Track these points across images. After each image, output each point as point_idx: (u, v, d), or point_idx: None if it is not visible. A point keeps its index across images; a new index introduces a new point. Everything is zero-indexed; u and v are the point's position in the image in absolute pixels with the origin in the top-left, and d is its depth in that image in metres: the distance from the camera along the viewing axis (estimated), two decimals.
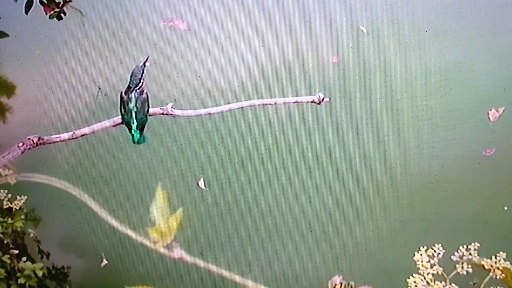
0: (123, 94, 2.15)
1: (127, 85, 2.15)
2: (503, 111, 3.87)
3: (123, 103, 2.13)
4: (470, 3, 4.27)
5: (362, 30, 4.16)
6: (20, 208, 2.98)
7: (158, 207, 0.88)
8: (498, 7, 4.26)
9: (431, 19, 4.21)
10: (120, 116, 2.15)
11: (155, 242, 0.83)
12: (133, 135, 2.16)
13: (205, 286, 3.30)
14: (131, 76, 2.14)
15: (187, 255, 0.79)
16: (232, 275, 0.77)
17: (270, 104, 2.26)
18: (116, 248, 3.59)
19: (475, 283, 1.13)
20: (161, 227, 0.85)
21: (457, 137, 3.85)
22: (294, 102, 2.28)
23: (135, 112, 2.13)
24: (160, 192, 0.91)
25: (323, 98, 2.20)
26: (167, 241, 0.83)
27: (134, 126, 2.14)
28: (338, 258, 3.57)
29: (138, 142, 2.19)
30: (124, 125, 2.18)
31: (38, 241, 3.17)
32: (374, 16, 4.22)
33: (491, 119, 3.87)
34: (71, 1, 2.63)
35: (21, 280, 2.71)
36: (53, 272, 3.18)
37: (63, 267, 3.25)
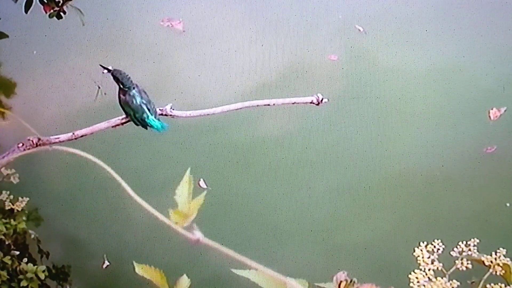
0: (123, 96, 2.13)
1: (119, 88, 2.13)
2: (505, 111, 3.87)
3: (128, 103, 2.11)
4: (470, 3, 4.27)
5: (359, 30, 4.16)
6: (22, 209, 2.97)
7: (183, 191, 0.91)
8: (498, 7, 4.26)
9: (431, 18, 4.21)
10: (130, 119, 2.13)
11: (176, 223, 0.85)
12: (152, 125, 2.13)
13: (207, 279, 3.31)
14: (120, 78, 2.12)
15: (205, 238, 0.81)
16: (246, 260, 0.78)
17: (268, 105, 2.26)
18: (120, 247, 3.59)
19: (473, 282, 1.14)
20: (183, 209, 0.87)
21: (457, 136, 3.85)
22: (293, 103, 2.28)
23: (145, 105, 2.11)
24: (187, 175, 0.94)
25: (322, 99, 2.19)
26: (187, 222, 0.85)
27: (151, 117, 2.12)
28: (338, 256, 3.57)
29: (162, 128, 2.15)
30: (124, 126, 2.17)
31: (39, 241, 3.17)
32: (374, 16, 4.22)
33: (492, 118, 3.87)
34: (71, 0, 2.62)
35: (23, 283, 2.70)
36: (53, 271, 3.18)
37: (63, 266, 3.24)
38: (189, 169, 0.96)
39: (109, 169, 0.95)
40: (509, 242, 3.47)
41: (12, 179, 2.99)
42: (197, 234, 0.85)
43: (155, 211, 0.88)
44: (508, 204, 3.66)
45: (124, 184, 0.93)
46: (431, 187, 3.74)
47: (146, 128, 2.15)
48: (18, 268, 2.76)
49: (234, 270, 0.91)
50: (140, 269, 0.98)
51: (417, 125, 3.92)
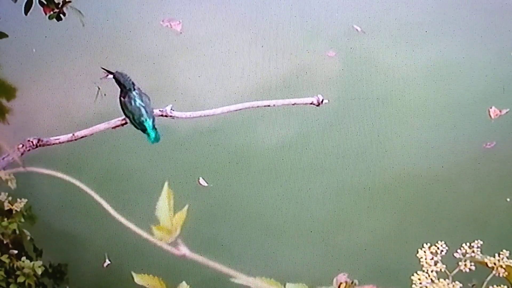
0: (123, 98, 2.13)
1: (120, 90, 2.13)
2: (506, 112, 3.88)
3: (127, 104, 2.11)
4: (470, 3, 4.27)
5: (357, 29, 4.16)
6: (20, 210, 2.97)
7: (163, 205, 0.90)
8: (497, 7, 4.26)
9: (430, 19, 4.21)
10: (128, 120, 2.13)
11: (160, 239, 0.84)
12: (149, 134, 2.13)
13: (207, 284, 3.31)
14: (122, 80, 2.12)
15: (191, 252, 0.80)
16: (236, 273, 0.77)
17: (269, 106, 2.26)
18: (119, 247, 3.59)
19: (473, 284, 1.14)
20: (166, 225, 0.86)
21: (457, 137, 3.85)
22: (293, 104, 2.28)
23: (144, 108, 2.11)
24: (166, 190, 0.92)
25: (322, 100, 2.19)
26: (171, 238, 0.84)
27: (149, 122, 2.12)
28: (338, 258, 3.57)
29: (156, 139, 2.14)
30: (124, 127, 2.17)
31: (32, 239, 3.16)
32: (374, 16, 4.22)
33: (492, 116, 3.87)
34: (70, 2, 2.62)
35: (20, 279, 2.71)
36: (50, 270, 3.17)
37: (59, 265, 3.23)
38: (166, 183, 0.94)
39: (92, 192, 0.94)
40: (510, 241, 3.47)
41: (10, 184, 2.98)
42: (183, 250, 0.84)
43: (139, 228, 0.87)
44: (508, 199, 3.67)
45: (107, 206, 0.92)
46: (431, 188, 3.74)
47: (144, 132, 2.15)
48: (15, 265, 2.77)
49: (233, 280, 0.90)
50: (140, 279, 0.98)
51: (417, 126, 3.92)
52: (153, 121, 2.13)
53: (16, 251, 2.85)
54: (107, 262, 3.55)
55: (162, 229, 0.88)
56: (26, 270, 2.72)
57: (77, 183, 0.93)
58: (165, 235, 0.86)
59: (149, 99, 2.15)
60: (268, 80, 4.05)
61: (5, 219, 2.87)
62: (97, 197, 0.90)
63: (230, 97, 3.95)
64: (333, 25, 4.22)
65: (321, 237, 3.67)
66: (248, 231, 3.70)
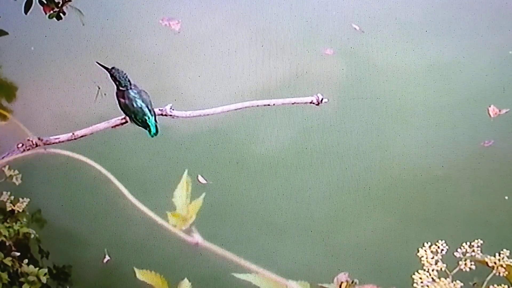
0: (121, 98, 2.12)
1: (117, 89, 2.12)
2: (506, 112, 3.87)
3: (128, 106, 2.10)
4: (470, 4, 4.27)
5: (355, 28, 4.16)
6: (23, 210, 2.96)
7: (181, 193, 0.91)
8: (497, 7, 4.26)
9: (431, 19, 4.21)
10: (129, 119, 2.13)
11: (174, 226, 0.85)
12: (150, 130, 2.14)
13: (208, 281, 3.31)
14: (119, 78, 2.11)
15: (204, 241, 0.80)
16: (246, 262, 0.77)
17: (268, 105, 2.26)
18: (120, 245, 3.59)
19: (475, 283, 1.14)
20: (182, 212, 0.87)
21: (457, 136, 3.85)
22: (293, 103, 2.28)
23: (146, 106, 2.11)
24: (185, 178, 0.94)
25: (322, 99, 2.19)
26: (186, 225, 0.84)
27: (152, 119, 2.12)
28: (337, 257, 3.57)
29: (156, 133, 2.16)
30: (124, 126, 2.16)
31: (39, 241, 3.16)
32: (374, 16, 4.22)
33: (492, 115, 3.87)
34: (70, 1, 2.62)
35: (25, 286, 2.69)
36: (54, 272, 3.17)
37: (64, 266, 3.23)
38: (186, 171, 0.95)
39: (107, 173, 0.94)
40: (511, 240, 3.47)
41: (14, 179, 2.98)
42: (196, 237, 0.84)
43: (153, 214, 0.87)
44: (506, 197, 3.67)
45: (122, 187, 0.92)
46: (431, 187, 3.74)
47: (146, 129, 2.15)
48: (19, 271, 2.75)
49: (235, 274, 0.90)
50: (141, 275, 0.98)
51: (417, 125, 3.92)
52: (155, 117, 2.14)
53: (18, 253, 2.84)
54: (107, 258, 3.54)
55: (177, 216, 0.88)
56: (30, 278, 2.70)
57: (97, 166, 0.93)
58: (179, 221, 0.86)
59: (147, 95, 2.15)
60: (268, 79, 4.05)
61: (14, 223, 2.86)
62: (116, 181, 0.91)
63: (229, 96, 3.94)
64: (333, 25, 4.22)
65: (321, 237, 3.67)
66: (248, 230, 3.70)
